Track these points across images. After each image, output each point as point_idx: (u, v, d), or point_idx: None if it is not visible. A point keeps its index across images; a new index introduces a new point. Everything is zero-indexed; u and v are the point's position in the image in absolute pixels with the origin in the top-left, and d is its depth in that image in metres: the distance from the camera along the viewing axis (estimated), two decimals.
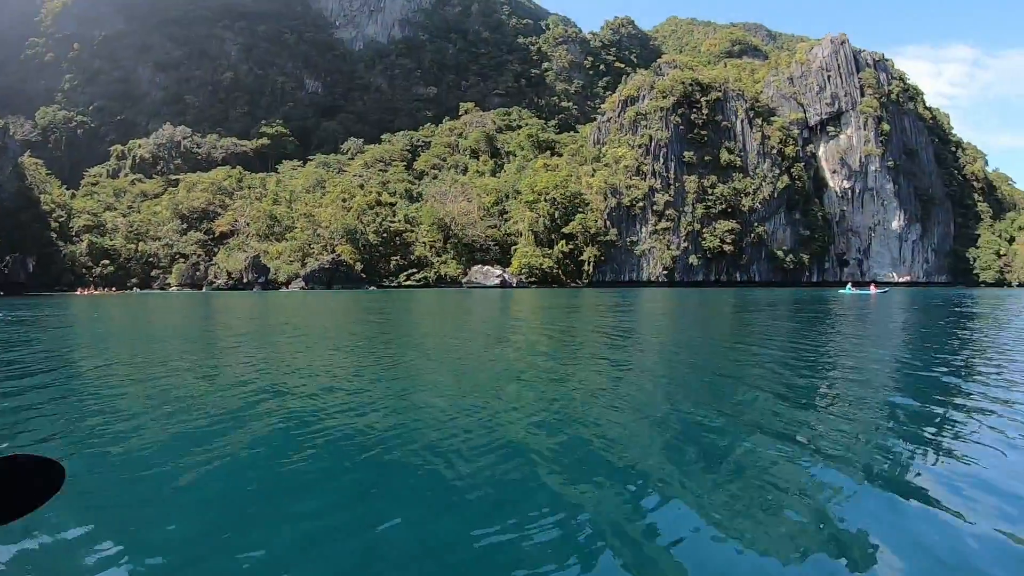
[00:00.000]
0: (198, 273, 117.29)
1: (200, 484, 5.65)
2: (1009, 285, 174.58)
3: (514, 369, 13.24)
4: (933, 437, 8.13)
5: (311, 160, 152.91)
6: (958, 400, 10.74)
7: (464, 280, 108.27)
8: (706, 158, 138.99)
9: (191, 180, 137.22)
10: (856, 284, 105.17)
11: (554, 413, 8.92)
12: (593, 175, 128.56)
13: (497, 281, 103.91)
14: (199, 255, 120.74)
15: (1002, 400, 10.38)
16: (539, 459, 6.67)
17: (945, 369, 14.27)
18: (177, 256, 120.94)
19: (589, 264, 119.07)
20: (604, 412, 9.09)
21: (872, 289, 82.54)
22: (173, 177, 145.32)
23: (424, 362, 13.88)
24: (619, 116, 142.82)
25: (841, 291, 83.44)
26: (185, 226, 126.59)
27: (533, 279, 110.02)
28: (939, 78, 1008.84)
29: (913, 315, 36.27)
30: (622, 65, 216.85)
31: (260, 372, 11.82)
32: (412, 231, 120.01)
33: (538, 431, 7.84)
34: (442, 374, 12.11)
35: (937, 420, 9.19)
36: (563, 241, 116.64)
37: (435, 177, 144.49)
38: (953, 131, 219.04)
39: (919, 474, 6.52)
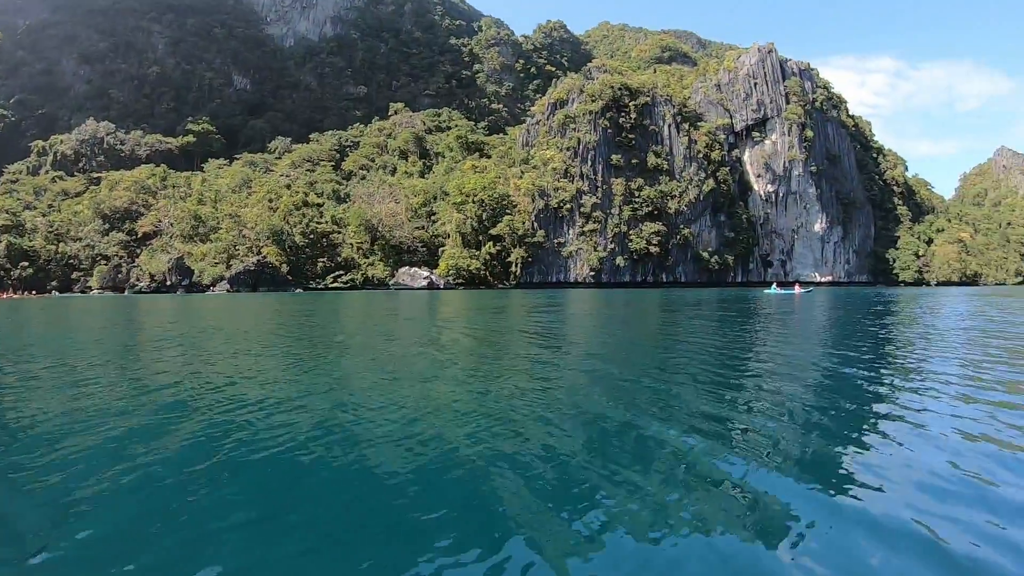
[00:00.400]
0: (120, 275, 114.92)
1: (110, 498, 5.44)
2: (927, 284, 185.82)
3: (442, 371, 13.30)
4: (852, 429, 8.58)
5: (237, 159, 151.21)
6: (877, 393, 11.34)
7: (391, 282, 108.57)
8: (633, 161, 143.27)
9: (114, 178, 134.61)
10: (780, 284, 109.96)
11: (482, 414, 8.87)
12: (521, 177, 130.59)
13: (424, 283, 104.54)
14: (121, 257, 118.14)
15: (918, 391, 11.10)
16: (464, 458, 6.79)
17: (864, 364, 15.05)
18: (99, 258, 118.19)
19: (516, 265, 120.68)
20: (533, 411, 9.12)
21: (796, 289, 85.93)
22: (95, 175, 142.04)
23: (350, 366, 13.66)
24: (548, 119, 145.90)
25: (766, 291, 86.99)
26: (107, 226, 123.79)
27: (460, 280, 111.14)
28: (863, 88, 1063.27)
29: (835, 313, 38.35)
30: (553, 68, 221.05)
31: (182, 379, 11.48)
32: (339, 232, 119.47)
33: (464, 430, 7.93)
34: (369, 378, 11.94)
35: (856, 413, 9.68)
36: (491, 243, 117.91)
37: (363, 178, 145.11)
38: (875, 138, 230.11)
39: (841, 466, 6.86)
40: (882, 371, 13.71)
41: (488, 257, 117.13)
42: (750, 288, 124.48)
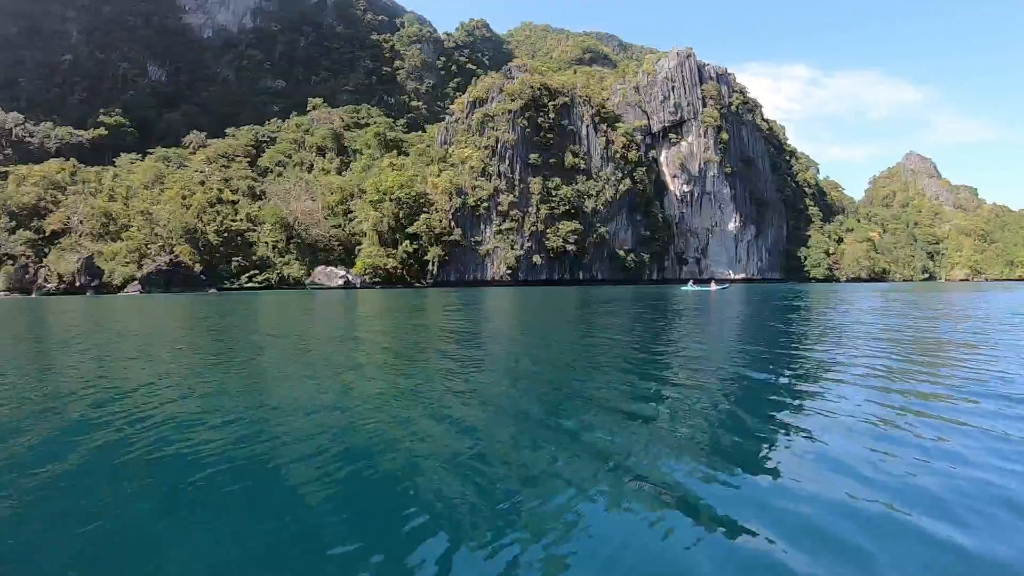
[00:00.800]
0: (27, 276, 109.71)
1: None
2: (837, 280, 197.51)
3: (360, 370, 13.38)
4: (765, 419, 8.98)
5: (151, 154, 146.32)
6: (788, 384, 11.95)
7: (308, 281, 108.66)
8: (551, 161, 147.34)
9: (21, 173, 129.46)
10: (697, 281, 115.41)
11: (402, 415, 8.95)
12: (439, 175, 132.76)
13: (341, 282, 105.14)
14: (28, 256, 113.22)
15: (826, 382, 11.80)
16: (386, 455, 6.93)
17: (776, 356, 15.96)
18: (4, 257, 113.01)
19: (433, 264, 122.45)
20: (453, 411, 9.25)
21: (712, 286, 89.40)
22: (2, 169, 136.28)
23: (264, 370, 13.48)
24: (467, 117, 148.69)
25: (683, 288, 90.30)
26: (14, 224, 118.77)
27: (377, 280, 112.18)
28: (779, 93, 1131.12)
29: (749, 308, 40.51)
30: (474, 67, 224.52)
31: (91, 387, 11.00)
32: (255, 231, 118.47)
33: (384, 432, 7.98)
34: (282, 382, 11.82)
35: (769, 403, 10.20)
36: (408, 241, 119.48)
37: (280, 175, 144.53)
38: (788, 142, 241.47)
39: (754, 455, 7.18)
40: (793, 363, 14.87)
41: (405, 256, 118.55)
42: (666, 285, 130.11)
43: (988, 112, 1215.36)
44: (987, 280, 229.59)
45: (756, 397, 10.75)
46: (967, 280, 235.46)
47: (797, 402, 10.19)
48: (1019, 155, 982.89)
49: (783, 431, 8.22)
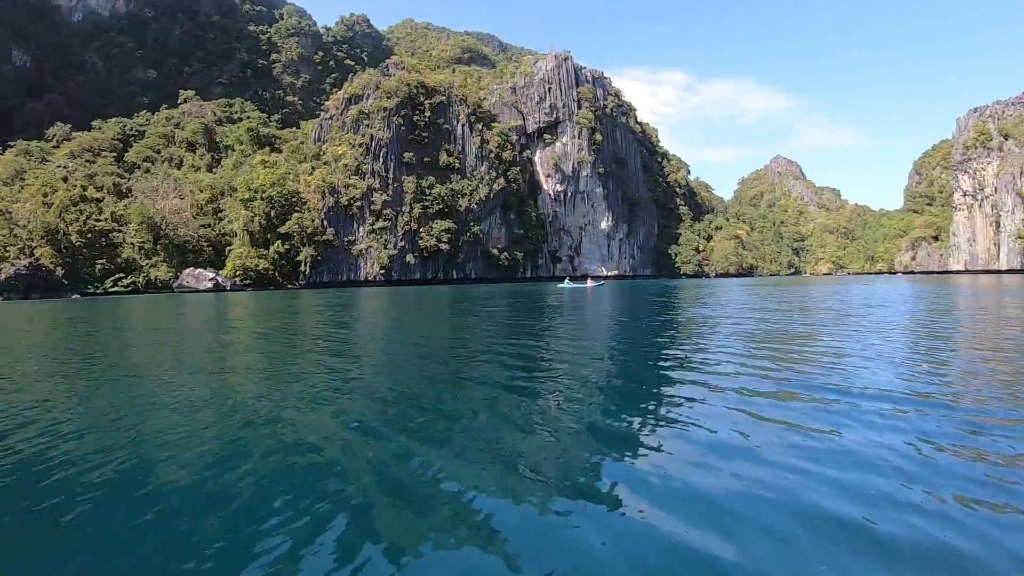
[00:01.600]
0: None
1: None
2: (707, 276, 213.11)
3: (231, 375, 13.40)
4: (644, 407, 9.51)
5: (11, 147, 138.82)
6: (666, 373, 12.72)
7: (175, 284, 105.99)
8: (426, 159, 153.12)
9: None
10: (573, 278, 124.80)
11: (273, 421, 8.87)
12: (312, 173, 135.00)
13: (210, 284, 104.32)
14: None
15: (698, 370, 12.55)
16: (257, 461, 6.93)
17: (653, 347, 17.25)
18: None
19: (306, 264, 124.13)
20: (328, 413, 9.39)
21: (589, 283, 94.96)
22: None
23: (133, 379, 12.89)
24: (342, 114, 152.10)
25: (560, 285, 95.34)
26: None
27: (248, 281, 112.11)
28: (655, 98, 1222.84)
29: (624, 302, 43.52)
30: (352, 63, 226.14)
31: None
32: (120, 231, 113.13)
33: (253, 436, 7.97)
34: (155, 391, 11.46)
35: (644, 392, 10.77)
36: (279, 241, 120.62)
37: (148, 171, 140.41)
38: (660, 144, 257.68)
39: (638, 439, 7.74)
40: (666, 353, 15.91)
41: (276, 256, 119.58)
42: (540, 283, 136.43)
43: (852, 120, 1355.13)
44: (849, 274, 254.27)
45: (634, 386, 11.61)
46: (830, 274, 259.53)
47: (672, 391, 11.02)
48: (879, 160, 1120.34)
49: (660, 419, 8.82)
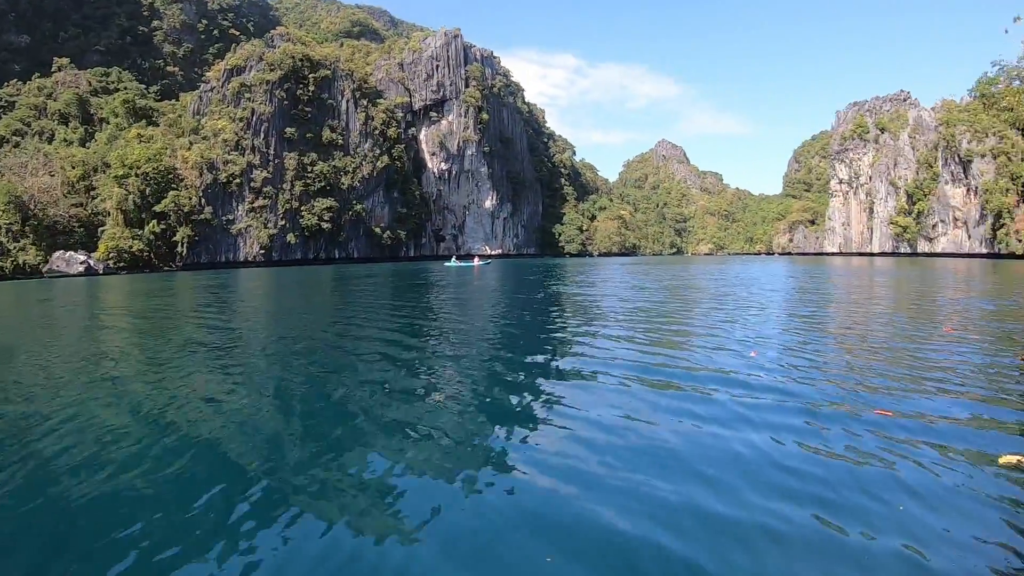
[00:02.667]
0: None
1: None
2: (591, 255, 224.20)
3: (106, 362, 13.42)
4: (531, 383, 10.61)
5: None
6: (551, 348, 13.92)
7: (45, 269, 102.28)
8: (308, 135, 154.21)
9: None
10: (459, 257, 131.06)
11: (155, 416, 9.00)
12: (190, 148, 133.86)
13: (82, 268, 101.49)
14: None
15: (584, 345, 13.86)
16: (133, 462, 6.99)
17: (539, 323, 18.37)
18: None
19: (183, 245, 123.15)
20: (212, 407, 9.52)
21: (476, 261, 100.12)
22: None
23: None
24: (223, 86, 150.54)
25: (447, 264, 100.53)
26: None
27: (123, 264, 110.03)
28: (545, 80, 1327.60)
29: (511, 281, 46.11)
30: (237, 32, 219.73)
31: None
32: None
33: (135, 436, 7.98)
34: (26, 377, 11.58)
35: (535, 369, 11.80)
36: (155, 221, 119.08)
37: (17, 145, 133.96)
38: (547, 124, 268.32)
39: (524, 411, 8.80)
40: (551, 329, 17.02)
41: (152, 237, 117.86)
42: (424, 262, 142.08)
43: (737, 109, 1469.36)
44: (729, 254, 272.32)
45: (521, 361, 12.27)
46: (711, 254, 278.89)
47: (555, 365, 11.80)
48: (760, 147, 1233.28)
49: (545, 393, 9.70)
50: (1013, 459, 6.77)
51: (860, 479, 6.38)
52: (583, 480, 6.45)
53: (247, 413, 9.31)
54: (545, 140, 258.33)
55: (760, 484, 6.26)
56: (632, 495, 5.99)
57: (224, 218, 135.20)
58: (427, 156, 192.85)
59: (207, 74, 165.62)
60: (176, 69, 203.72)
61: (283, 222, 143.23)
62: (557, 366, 12.40)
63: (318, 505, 5.92)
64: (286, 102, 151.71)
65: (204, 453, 7.45)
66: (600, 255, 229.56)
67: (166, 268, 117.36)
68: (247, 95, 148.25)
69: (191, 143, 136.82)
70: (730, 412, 8.88)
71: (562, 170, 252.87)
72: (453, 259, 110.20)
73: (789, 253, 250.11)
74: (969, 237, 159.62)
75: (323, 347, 15.68)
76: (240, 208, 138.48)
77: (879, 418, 8.40)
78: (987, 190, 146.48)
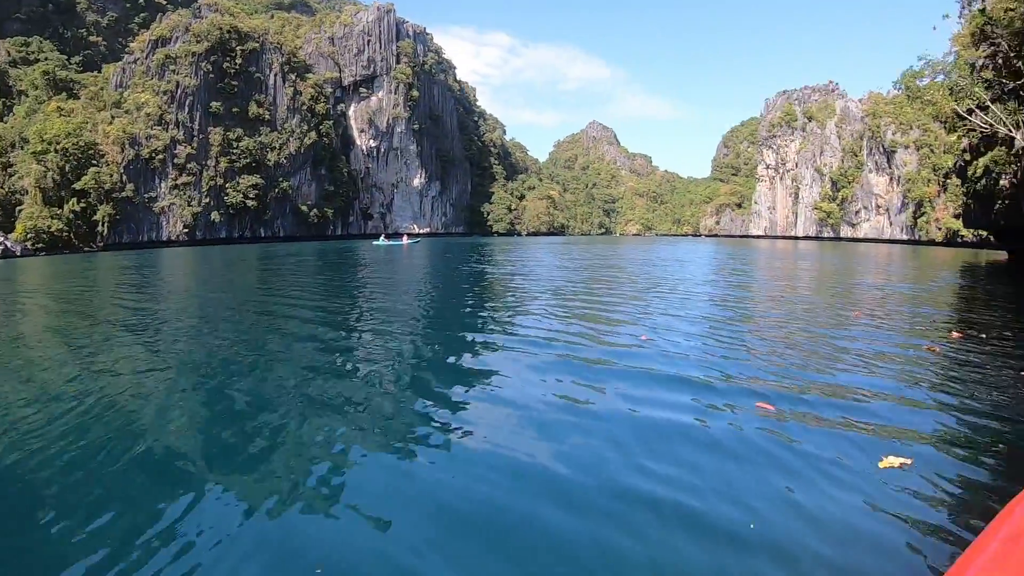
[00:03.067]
0: None
1: None
2: (519, 234, 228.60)
3: (23, 355, 13.16)
4: (458, 362, 11.18)
5: None
6: (482, 327, 14.54)
7: None
8: (234, 110, 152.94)
9: None
10: (388, 236, 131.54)
11: (73, 400, 8.94)
12: (112, 123, 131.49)
13: None
14: None
15: (516, 323, 14.63)
16: (47, 448, 7.04)
17: (468, 302, 19.22)
18: None
19: (104, 224, 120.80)
20: (134, 389, 9.51)
21: (405, 240, 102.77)
22: None
23: None
24: (147, 58, 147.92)
25: (376, 242, 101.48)
26: None
27: (41, 245, 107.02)
28: (479, 58, 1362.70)
29: (440, 259, 47.49)
30: (163, 1, 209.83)
31: None
32: None
33: (50, 420, 7.95)
34: None
35: (462, 344, 12.44)
36: (75, 199, 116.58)
37: None
38: (478, 103, 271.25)
39: (455, 388, 9.23)
40: (480, 308, 17.66)
41: (72, 216, 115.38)
42: (352, 240, 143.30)
43: (669, 93, 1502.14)
44: (657, 235, 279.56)
45: (450, 338, 12.74)
46: (639, 235, 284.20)
47: (484, 344, 12.40)
48: (689, 130, 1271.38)
49: (471, 373, 10.26)
50: (896, 461, 6.71)
51: (729, 475, 6.48)
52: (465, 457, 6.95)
53: (170, 395, 9.58)
54: (476, 119, 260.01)
55: (627, 466, 6.64)
56: (516, 473, 6.47)
57: (146, 196, 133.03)
58: (356, 133, 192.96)
59: (131, 45, 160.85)
60: (99, 39, 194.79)
61: (207, 200, 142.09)
62: (468, 345, 13.11)
63: (243, 484, 6.17)
64: (212, 75, 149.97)
65: (124, 436, 7.57)
66: (528, 235, 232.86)
67: (87, 249, 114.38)
68: (172, 67, 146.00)
69: (113, 117, 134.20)
70: (602, 394, 9.29)
71: (492, 149, 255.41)
72: (382, 237, 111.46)
73: (716, 235, 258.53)
74: (891, 224, 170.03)
75: (248, 328, 16.05)
76: (163, 185, 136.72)
77: (760, 410, 8.45)
78: (909, 180, 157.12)
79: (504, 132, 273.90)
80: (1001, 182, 44.92)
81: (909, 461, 6.76)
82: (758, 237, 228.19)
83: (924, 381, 10.23)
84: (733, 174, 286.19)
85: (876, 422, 8.08)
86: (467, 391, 9.55)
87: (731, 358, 12.01)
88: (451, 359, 11.87)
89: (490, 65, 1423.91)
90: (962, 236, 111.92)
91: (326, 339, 14.20)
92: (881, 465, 6.68)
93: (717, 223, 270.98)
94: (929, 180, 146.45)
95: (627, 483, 6.14)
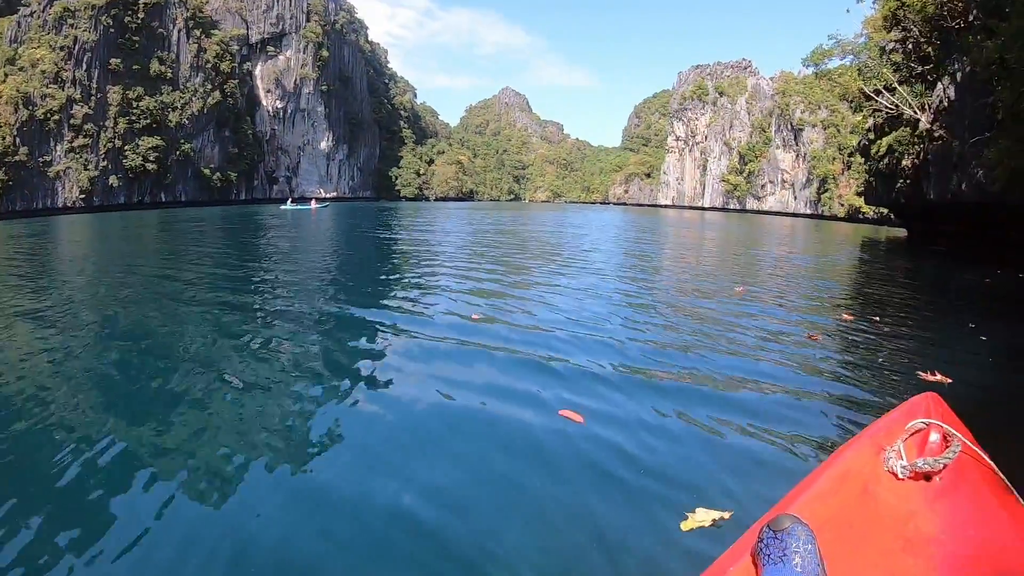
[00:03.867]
0: None
1: None
2: (427, 199, 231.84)
3: None
4: (372, 329, 11.53)
5: None
6: (391, 292, 15.43)
7: None
8: (135, 67, 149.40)
9: None
10: (295, 200, 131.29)
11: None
12: (4, 81, 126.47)
13: None
14: None
15: (425, 288, 15.68)
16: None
17: (378, 268, 19.96)
18: None
19: None
20: (28, 367, 9.41)
21: (312, 204, 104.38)
22: None
23: None
24: (44, 11, 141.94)
25: (282, 207, 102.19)
26: None
27: None
28: (393, 20, 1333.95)
29: (347, 223, 48.70)
30: None
31: None
32: None
33: None
34: None
35: (378, 309, 12.86)
36: None
37: None
38: (389, 65, 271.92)
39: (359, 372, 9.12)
40: (391, 275, 18.47)
41: None
42: (257, 205, 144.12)
43: (583, 62, 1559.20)
44: (566, 202, 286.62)
45: (346, 313, 13.16)
46: (548, 202, 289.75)
47: (389, 312, 12.90)
48: (603, 101, 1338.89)
49: (378, 342, 10.77)
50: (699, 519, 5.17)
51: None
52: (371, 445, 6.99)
53: (68, 373, 9.29)
54: (386, 81, 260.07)
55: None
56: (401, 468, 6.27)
57: (41, 160, 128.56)
58: (262, 93, 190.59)
59: None
60: None
61: (105, 163, 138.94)
62: (372, 316, 13.52)
63: (149, 468, 6.07)
64: (112, 30, 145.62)
65: (19, 413, 7.43)
66: (437, 199, 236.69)
67: None
68: (70, 21, 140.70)
69: (6, 75, 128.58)
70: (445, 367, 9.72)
71: (402, 113, 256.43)
72: (289, 202, 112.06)
73: (624, 204, 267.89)
74: (795, 198, 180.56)
75: (149, 299, 15.97)
76: (59, 148, 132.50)
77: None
78: (815, 157, 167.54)
79: (415, 96, 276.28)
80: (904, 162, 48.74)
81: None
82: (666, 207, 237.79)
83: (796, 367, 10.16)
84: (643, 144, 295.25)
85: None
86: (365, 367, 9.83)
87: (585, 331, 12.33)
88: (357, 338, 11.88)
89: (404, 27, 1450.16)
90: (863, 213, 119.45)
91: (233, 310, 14.41)
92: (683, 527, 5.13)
93: (626, 192, 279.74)
94: (834, 158, 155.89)
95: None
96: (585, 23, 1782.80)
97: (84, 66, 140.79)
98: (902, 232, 66.14)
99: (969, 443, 3.41)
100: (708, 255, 31.82)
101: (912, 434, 3.57)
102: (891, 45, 49.97)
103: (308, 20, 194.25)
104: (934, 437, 3.50)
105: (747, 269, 25.24)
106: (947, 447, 3.39)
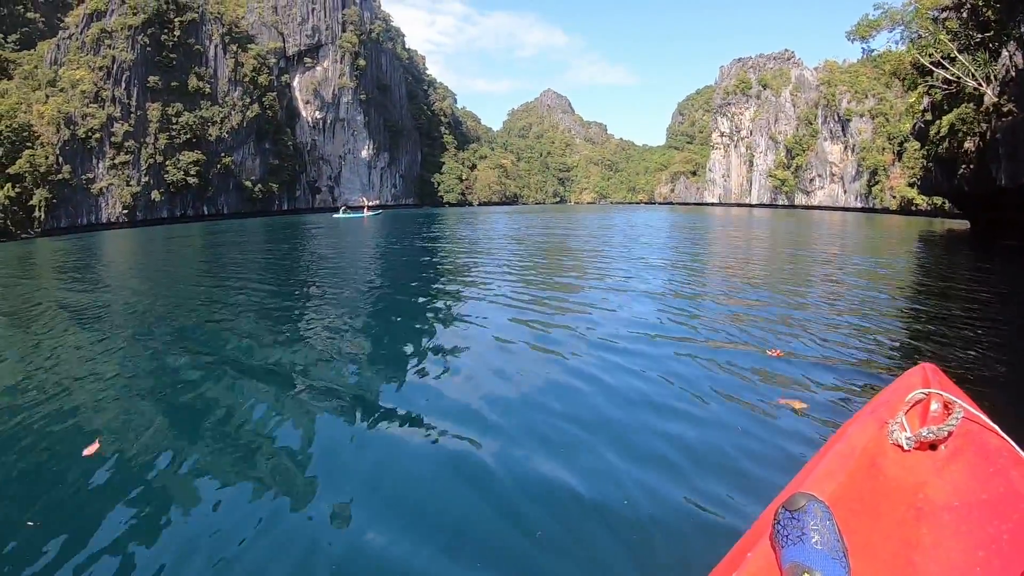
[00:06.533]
0: None
1: None
2: (471, 204, 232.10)
3: None
4: (422, 331, 11.52)
5: None
6: (445, 299, 15.22)
7: None
8: (173, 84, 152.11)
9: None
10: (348, 208, 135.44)
11: (22, 383, 9.33)
12: (46, 102, 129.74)
13: None
14: None
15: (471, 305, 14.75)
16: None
17: (436, 273, 20.06)
18: None
19: (40, 209, 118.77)
20: (84, 372, 9.68)
21: (365, 212, 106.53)
22: None
23: None
24: (82, 32, 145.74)
25: (335, 215, 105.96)
26: None
27: None
28: (433, 27, 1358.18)
29: (401, 231, 48.62)
30: None
31: None
32: None
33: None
34: None
35: (430, 315, 12.92)
36: (9, 184, 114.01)
37: None
38: (428, 72, 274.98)
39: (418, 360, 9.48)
40: (444, 280, 18.47)
41: (7, 202, 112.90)
42: (301, 215, 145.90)
43: (623, 60, 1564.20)
44: (612, 203, 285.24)
45: (416, 310, 13.36)
46: (594, 203, 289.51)
47: (444, 315, 12.83)
48: (644, 98, 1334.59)
49: (435, 343, 10.69)
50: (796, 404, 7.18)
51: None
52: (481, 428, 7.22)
53: (121, 379, 9.61)
54: (425, 88, 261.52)
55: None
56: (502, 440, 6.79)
57: (84, 177, 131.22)
58: (301, 104, 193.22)
59: (66, 20, 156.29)
60: (38, 16, 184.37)
61: (147, 179, 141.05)
62: (452, 312, 14.09)
63: (213, 467, 6.25)
64: (150, 48, 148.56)
65: (82, 419, 7.69)
66: (480, 204, 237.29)
67: (23, 236, 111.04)
68: (107, 42, 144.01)
69: (47, 96, 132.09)
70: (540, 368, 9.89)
71: (442, 118, 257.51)
72: (343, 210, 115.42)
73: (670, 203, 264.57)
74: (845, 192, 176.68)
75: (202, 306, 16.35)
76: (101, 166, 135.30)
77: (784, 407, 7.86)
78: (864, 148, 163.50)
79: (455, 101, 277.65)
80: (966, 144, 43.16)
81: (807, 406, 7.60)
82: (713, 205, 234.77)
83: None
84: (688, 142, 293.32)
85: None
86: (423, 366, 9.98)
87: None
88: (423, 339, 12.03)
89: (444, 33, 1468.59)
90: (916, 204, 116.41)
91: (282, 316, 14.74)
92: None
93: (672, 191, 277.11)
94: (884, 148, 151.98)
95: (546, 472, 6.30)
96: (623, 20, 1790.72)
97: (123, 84, 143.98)
98: (962, 224, 62.75)
99: (971, 408, 3.44)
100: (755, 264, 27.90)
101: (913, 405, 3.62)
102: (945, 14, 43.86)
103: (344, 30, 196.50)
104: (935, 406, 3.56)
105: (793, 293, 18.90)
106: (949, 415, 3.43)
